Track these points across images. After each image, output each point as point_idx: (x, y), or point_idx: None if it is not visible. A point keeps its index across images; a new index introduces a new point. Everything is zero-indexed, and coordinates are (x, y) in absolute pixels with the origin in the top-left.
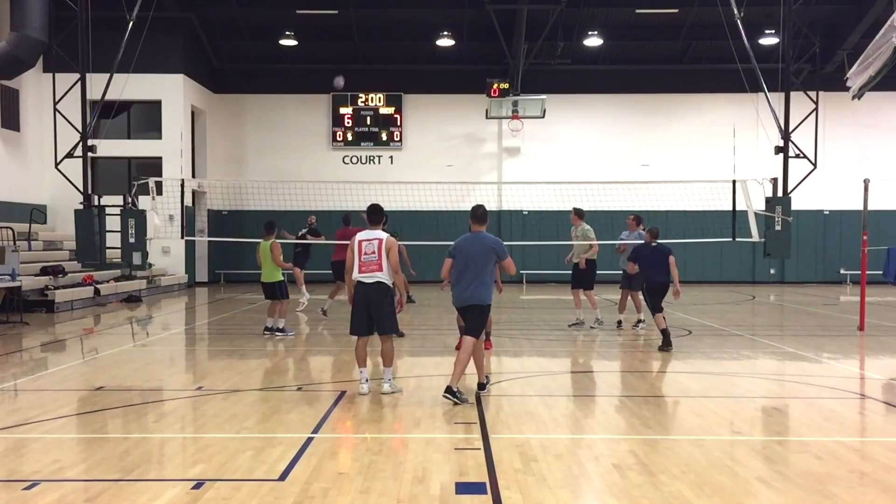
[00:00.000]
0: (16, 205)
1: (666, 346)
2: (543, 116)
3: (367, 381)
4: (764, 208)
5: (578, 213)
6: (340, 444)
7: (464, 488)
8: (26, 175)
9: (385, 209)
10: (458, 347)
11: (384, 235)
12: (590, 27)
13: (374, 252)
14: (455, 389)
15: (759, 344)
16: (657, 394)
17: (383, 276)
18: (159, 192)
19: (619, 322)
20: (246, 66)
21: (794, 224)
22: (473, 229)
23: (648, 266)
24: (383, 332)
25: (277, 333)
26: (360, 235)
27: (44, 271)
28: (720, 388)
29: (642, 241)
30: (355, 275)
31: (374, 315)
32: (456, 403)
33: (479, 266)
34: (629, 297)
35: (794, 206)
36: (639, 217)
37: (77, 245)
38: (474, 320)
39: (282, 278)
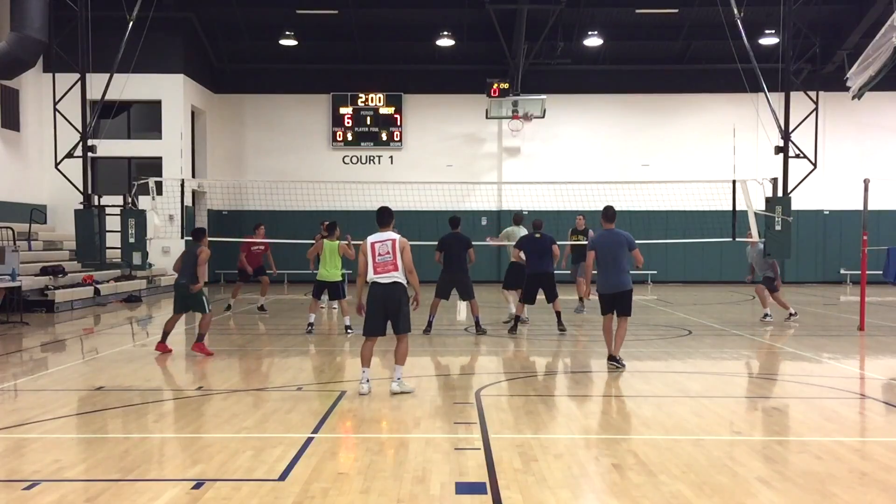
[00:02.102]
0: (16, 205)
1: (513, 330)
2: (543, 116)
3: (368, 381)
4: (764, 208)
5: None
6: (340, 444)
7: (464, 488)
8: (26, 175)
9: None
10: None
11: (396, 236)
12: (590, 27)
13: (388, 252)
14: (618, 357)
15: (759, 344)
16: (657, 394)
17: (399, 276)
18: (159, 192)
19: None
20: (246, 66)
21: (794, 224)
22: (605, 227)
23: (531, 255)
24: (400, 332)
25: (349, 331)
26: (371, 238)
27: (44, 271)
28: (720, 388)
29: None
30: (370, 276)
31: (391, 315)
32: (618, 368)
33: (618, 257)
34: (763, 294)
35: (794, 206)
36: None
37: (77, 245)
38: (625, 303)
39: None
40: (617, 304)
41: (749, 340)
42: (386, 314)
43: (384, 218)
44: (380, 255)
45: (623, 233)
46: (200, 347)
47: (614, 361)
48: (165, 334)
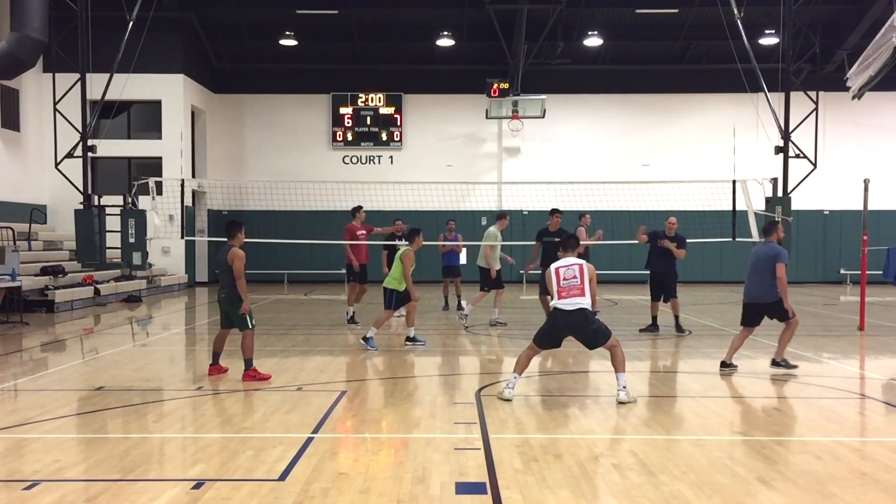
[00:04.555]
0: (16, 205)
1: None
2: (543, 116)
3: (513, 388)
4: (764, 208)
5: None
6: (340, 444)
7: (464, 488)
8: (26, 175)
9: (385, 209)
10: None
11: (582, 261)
12: (590, 27)
13: (575, 277)
14: (781, 360)
15: (759, 344)
16: (657, 394)
17: (585, 302)
18: (159, 192)
19: None
20: (246, 66)
21: (794, 224)
22: (768, 240)
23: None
24: (598, 346)
25: (410, 343)
26: (557, 263)
27: (44, 271)
28: (720, 388)
29: None
30: (554, 301)
31: (581, 338)
32: (789, 367)
33: (760, 270)
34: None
35: (794, 206)
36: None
37: (77, 245)
38: (774, 312)
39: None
40: (768, 313)
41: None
42: (570, 336)
43: (572, 243)
44: (565, 279)
45: (776, 247)
46: (252, 375)
47: (780, 365)
48: (216, 355)
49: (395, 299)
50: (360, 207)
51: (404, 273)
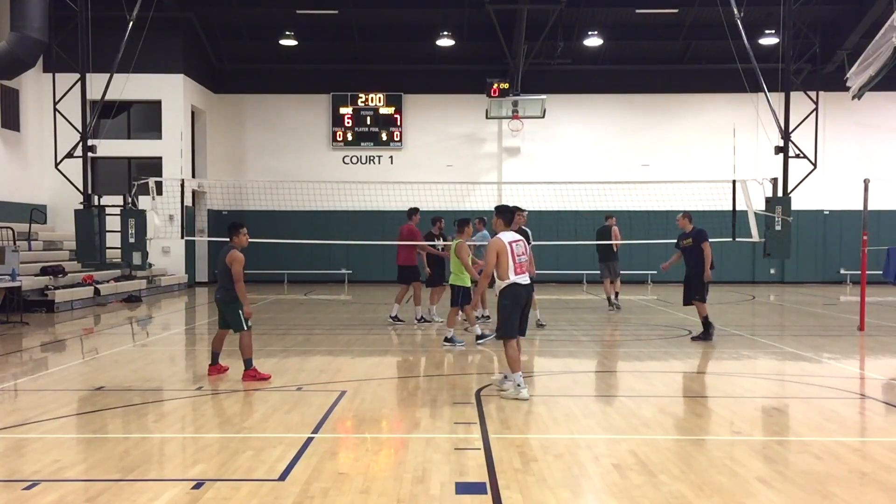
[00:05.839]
0: (16, 205)
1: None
2: (543, 116)
3: (524, 386)
4: (764, 208)
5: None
6: (340, 444)
7: (464, 488)
8: (26, 175)
9: (385, 209)
10: None
11: (521, 237)
12: (590, 27)
13: (523, 253)
14: None
15: (759, 344)
16: (658, 394)
17: (529, 278)
18: (159, 192)
19: None
20: (246, 66)
21: (794, 224)
22: None
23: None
24: (524, 332)
25: (445, 344)
26: (505, 237)
27: (44, 271)
28: (720, 388)
29: None
30: (511, 276)
31: (525, 316)
32: None
33: None
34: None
35: (794, 206)
36: None
37: (77, 245)
38: None
39: (467, 284)
40: None
41: (749, 340)
42: (524, 313)
43: (510, 217)
44: (518, 255)
45: None
46: (252, 375)
47: None
48: (214, 355)
49: (462, 295)
50: (416, 210)
51: (463, 264)
